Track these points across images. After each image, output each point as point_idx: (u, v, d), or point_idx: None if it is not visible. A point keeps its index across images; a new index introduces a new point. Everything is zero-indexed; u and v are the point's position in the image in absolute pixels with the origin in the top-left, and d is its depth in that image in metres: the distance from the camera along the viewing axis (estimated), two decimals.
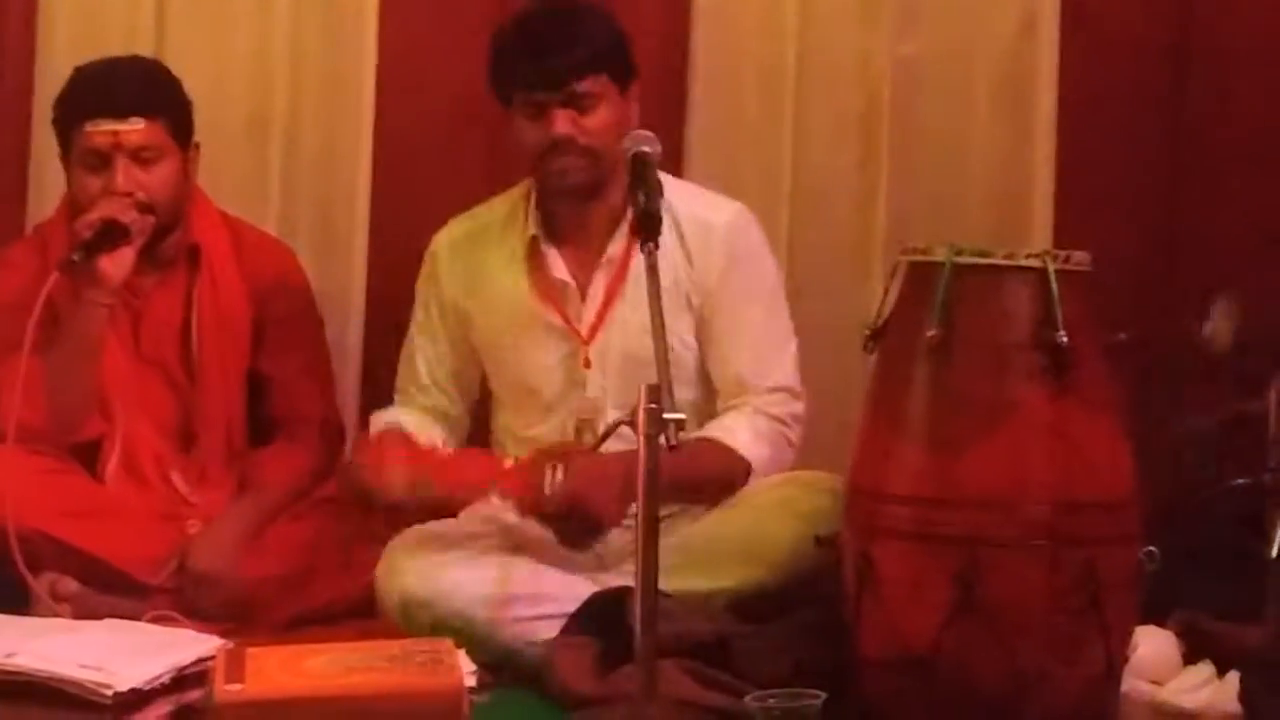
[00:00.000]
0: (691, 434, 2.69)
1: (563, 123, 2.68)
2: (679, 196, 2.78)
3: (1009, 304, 2.21)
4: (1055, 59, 3.21)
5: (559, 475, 2.52)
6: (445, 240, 2.88)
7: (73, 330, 2.84)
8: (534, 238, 2.78)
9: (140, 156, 2.89)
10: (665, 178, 2.80)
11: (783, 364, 2.79)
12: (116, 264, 2.82)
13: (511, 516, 2.61)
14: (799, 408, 2.78)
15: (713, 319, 2.78)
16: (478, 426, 2.93)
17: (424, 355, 2.86)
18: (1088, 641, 2.18)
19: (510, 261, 2.81)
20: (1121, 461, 2.24)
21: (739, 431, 2.71)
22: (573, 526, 2.53)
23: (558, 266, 2.77)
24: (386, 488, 2.54)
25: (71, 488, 2.88)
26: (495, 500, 2.59)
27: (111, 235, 2.81)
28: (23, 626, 2.52)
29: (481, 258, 2.83)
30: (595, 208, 2.75)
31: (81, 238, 2.79)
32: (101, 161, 2.88)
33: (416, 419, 2.80)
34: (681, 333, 2.77)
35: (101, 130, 2.87)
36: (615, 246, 2.75)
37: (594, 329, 2.75)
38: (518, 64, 2.71)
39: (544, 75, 2.68)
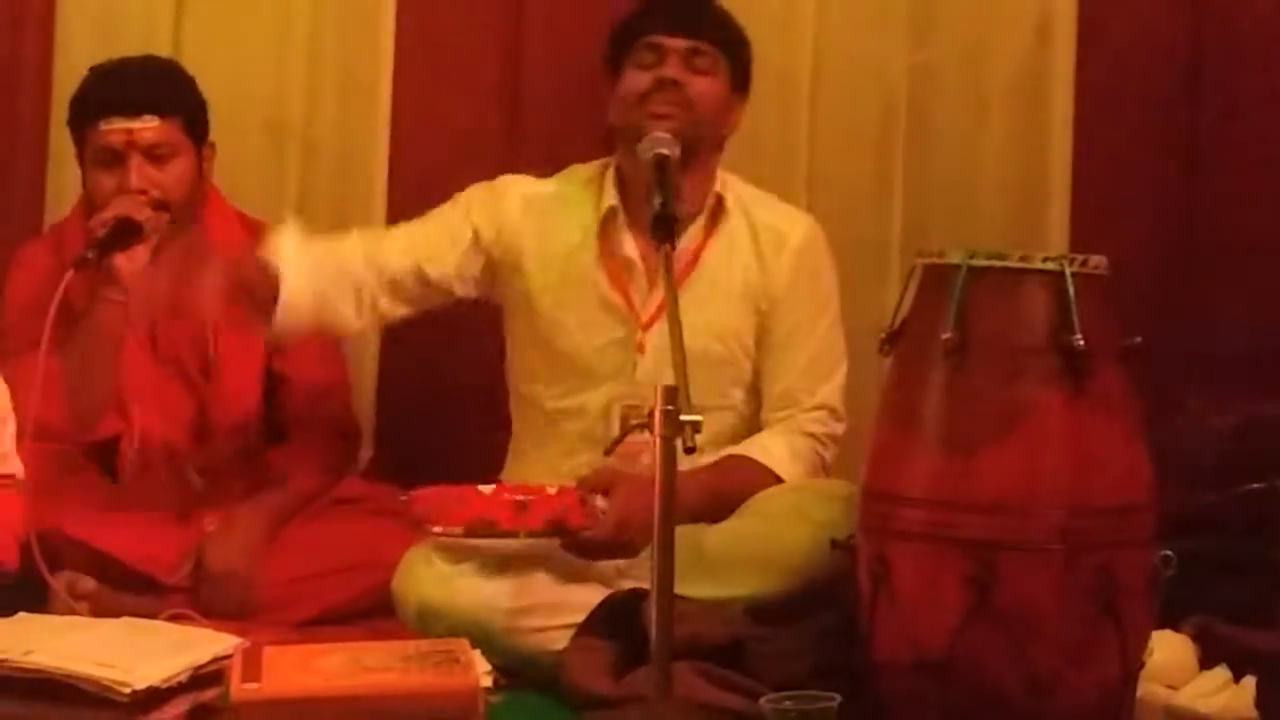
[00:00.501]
0: (729, 450, 2.74)
1: (676, 67, 2.73)
2: (756, 204, 2.84)
3: (1025, 307, 2.21)
4: (1071, 64, 3.22)
5: (601, 503, 2.53)
6: (518, 190, 2.85)
7: (89, 328, 2.84)
8: (611, 210, 2.78)
9: (154, 154, 2.90)
10: (742, 184, 2.87)
11: (830, 384, 2.81)
12: (132, 261, 2.82)
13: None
14: (839, 429, 2.81)
15: (773, 329, 2.81)
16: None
17: (437, 244, 2.79)
18: (1103, 646, 2.18)
19: (583, 232, 2.80)
20: (1137, 465, 2.23)
21: (777, 451, 2.74)
22: (609, 555, 2.54)
23: (629, 245, 2.78)
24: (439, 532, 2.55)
25: (89, 487, 2.89)
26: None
27: (126, 233, 2.81)
28: (41, 624, 2.52)
29: (553, 221, 2.82)
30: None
31: (96, 236, 2.80)
32: (115, 159, 2.89)
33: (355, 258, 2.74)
34: (743, 336, 2.80)
35: (115, 128, 2.88)
36: (689, 238, 2.76)
37: (654, 316, 2.75)
38: (651, 7, 2.80)
39: (676, 20, 2.76)
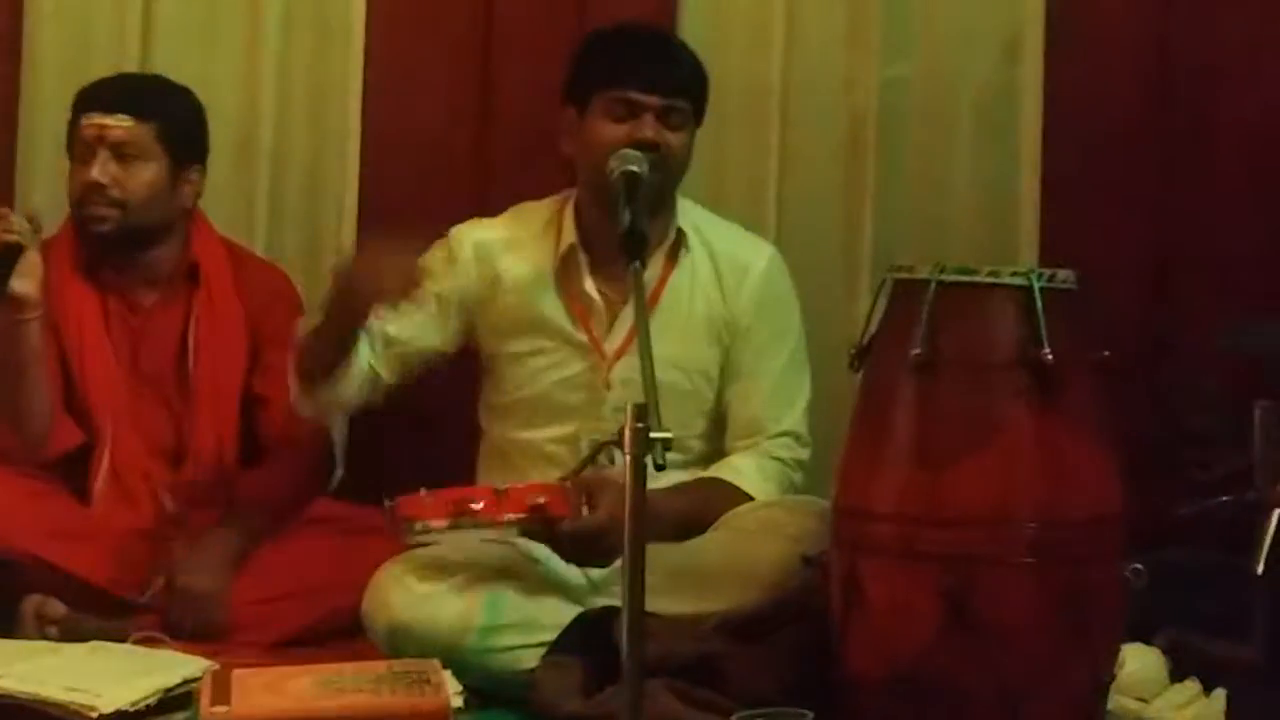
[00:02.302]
0: (700, 473, 2.75)
1: (652, 126, 2.69)
2: (716, 234, 2.84)
3: (994, 322, 2.22)
4: (1040, 78, 3.21)
5: (585, 508, 2.51)
6: (470, 239, 2.82)
7: (10, 351, 2.80)
8: (570, 247, 2.77)
9: (120, 152, 2.92)
10: (702, 213, 2.86)
11: (795, 410, 2.83)
12: (27, 276, 2.77)
13: (514, 543, 2.59)
14: (804, 454, 2.83)
15: (738, 358, 2.81)
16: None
17: (407, 321, 2.77)
18: (1074, 659, 2.18)
19: (541, 273, 2.79)
20: (1107, 479, 2.24)
21: (748, 472, 2.76)
22: (590, 554, 2.52)
23: (590, 283, 2.77)
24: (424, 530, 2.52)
25: (58, 509, 2.87)
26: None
27: (6, 258, 2.77)
28: (9, 649, 2.52)
29: (509, 266, 2.80)
30: None
31: None
32: (89, 154, 2.92)
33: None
34: (707, 368, 2.80)
35: (91, 123, 2.93)
36: (650, 273, 2.74)
37: (620, 351, 2.75)
38: (626, 60, 2.73)
39: (653, 77, 2.71)
